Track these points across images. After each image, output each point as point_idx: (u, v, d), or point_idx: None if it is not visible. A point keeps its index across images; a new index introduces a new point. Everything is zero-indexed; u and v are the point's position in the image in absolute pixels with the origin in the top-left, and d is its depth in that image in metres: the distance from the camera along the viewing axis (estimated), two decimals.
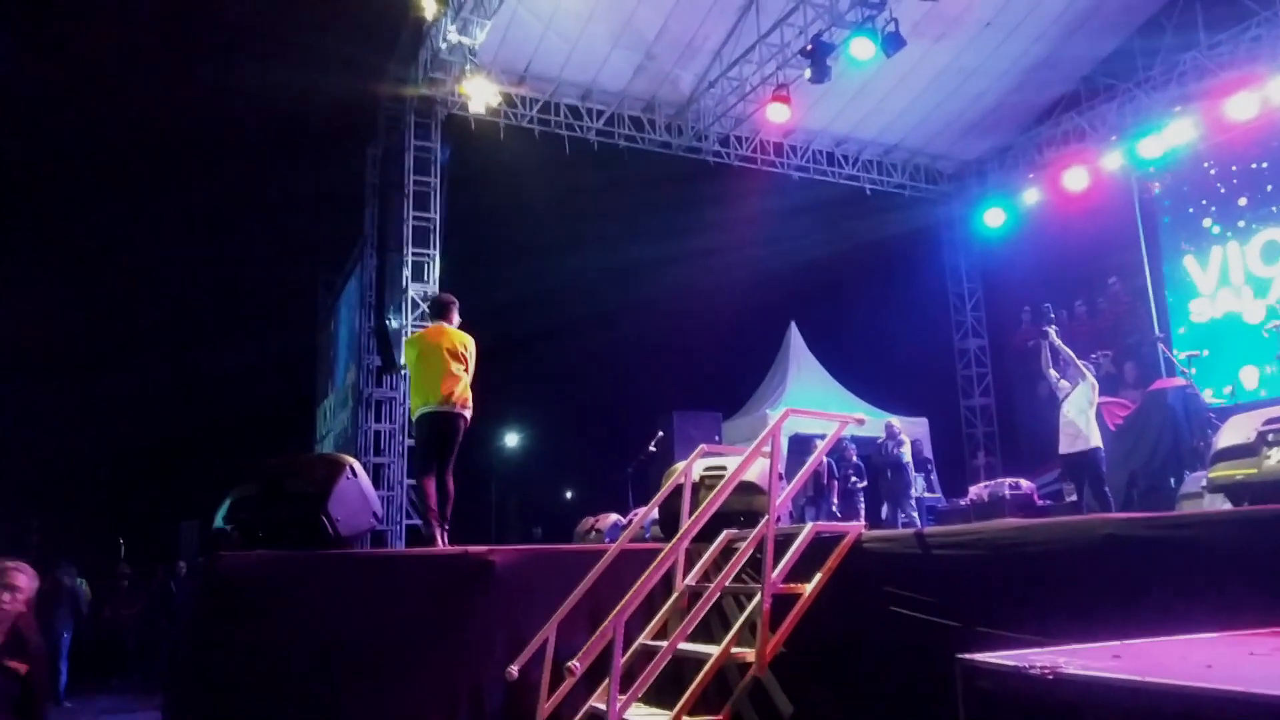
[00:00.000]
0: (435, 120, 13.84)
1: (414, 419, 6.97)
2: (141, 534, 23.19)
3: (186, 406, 24.68)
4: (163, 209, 23.70)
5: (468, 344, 6.90)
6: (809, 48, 12.17)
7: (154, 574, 14.74)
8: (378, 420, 14.41)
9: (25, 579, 3.99)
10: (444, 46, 12.64)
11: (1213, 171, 14.13)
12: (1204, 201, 14.27)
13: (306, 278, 21.76)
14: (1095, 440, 8.17)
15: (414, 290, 13.15)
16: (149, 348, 24.61)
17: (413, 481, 12.81)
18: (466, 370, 6.81)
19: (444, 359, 6.75)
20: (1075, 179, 15.39)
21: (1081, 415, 8.22)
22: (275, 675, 4.56)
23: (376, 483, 12.95)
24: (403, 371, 6.99)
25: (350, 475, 5.61)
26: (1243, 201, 13.70)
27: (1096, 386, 8.46)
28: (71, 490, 24.79)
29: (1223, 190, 13.98)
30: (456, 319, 7.02)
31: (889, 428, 12.38)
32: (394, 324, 13.37)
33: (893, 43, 11.81)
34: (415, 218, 13.49)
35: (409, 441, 12.73)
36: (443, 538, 6.49)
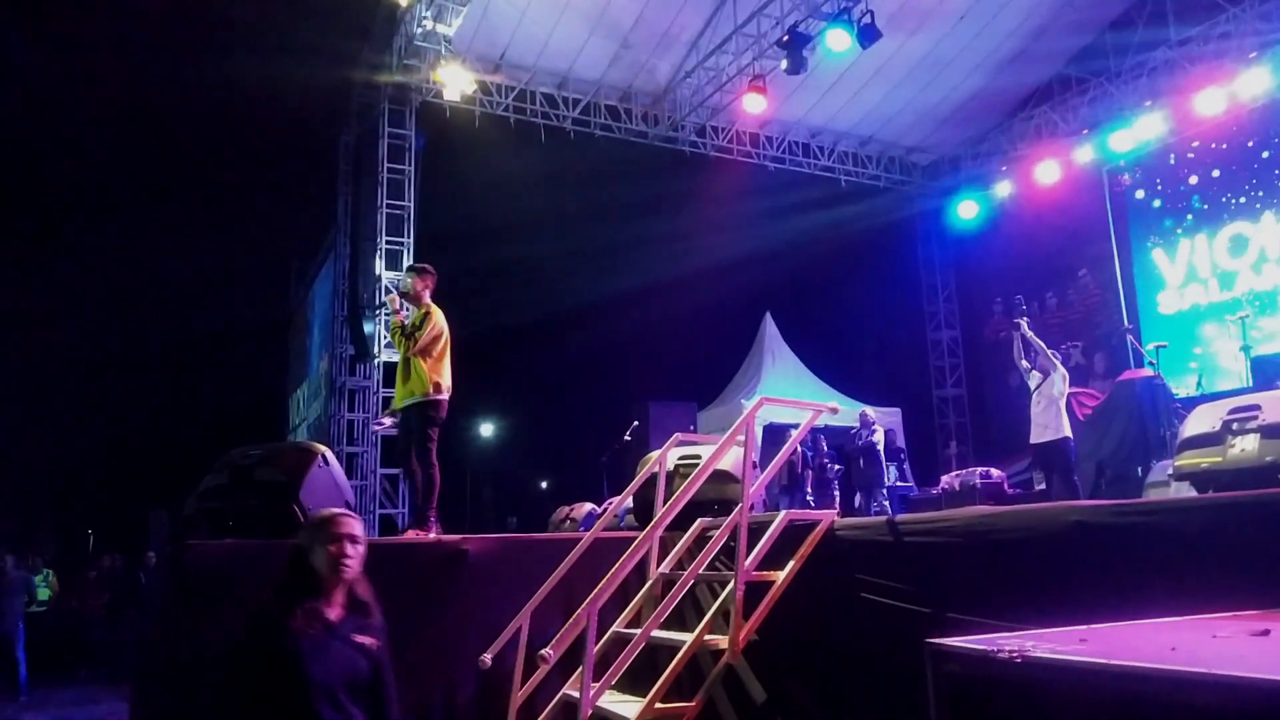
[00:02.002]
0: (410, 107, 13.71)
1: (442, 402, 6.38)
2: (109, 524, 22.92)
3: (156, 395, 24.37)
4: (131, 196, 23.33)
5: None
6: (785, 39, 12.19)
7: (122, 564, 14.57)
8: (350, 409, 14.31)
9: (362, 529, 3.05)
10: (419, 33, 12.52)
11: (1182, 166, 14.31)
12: (1173, 195, 14.46)
13: (279, 266, 21.57)
14: (1065, 430, 8.27)
15: (387, 278, 13.05)
16: (117, 335, 24.26)
17: (390, 471, 12.73)
18: None
19: None
20: (1047, 172, 15.54)
21: (1052, 406, 8.32)
22: None
23: (349, 472, 12.86)
24: (430, 345, 6.48)
25: (322, 464, 5.56)
26: (1210, 195, 13.89)
27: (1067, 377, 8.56)
28: (38, 481, 24.42)
29: (1192, 184, 14.17)
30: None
31: (863, 417, 12.47)
32: (368, 326, 13.20)
33: (868, 35, 11.84)
34: (389, 205, 13.39)
35: (376, 428, 12.57)
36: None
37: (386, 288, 12.97)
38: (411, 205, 13.53)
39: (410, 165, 13.62)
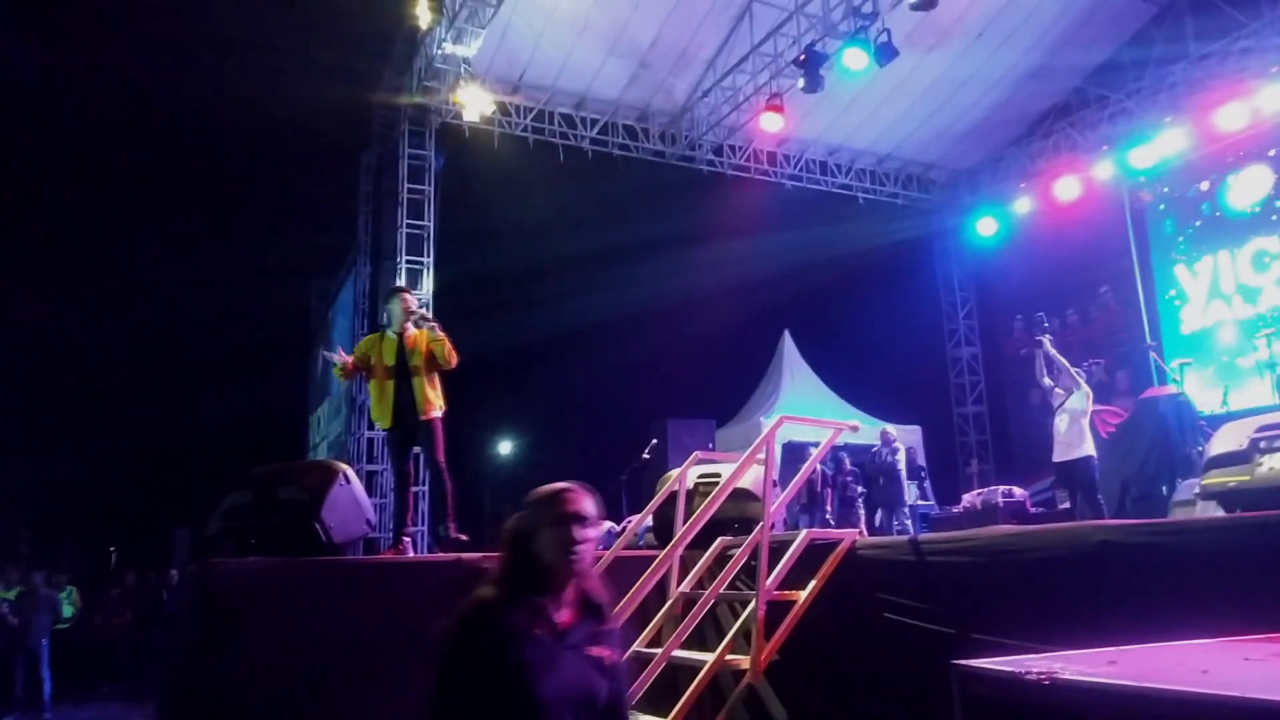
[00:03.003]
0: (429, 129, 13.84)
1: (439, 423, 6.42)
2: (132, 542, 23.08)
3: (179, 414, 24.57)
4: (156, 217, 23.65)
5: None
6: (802, 58, 12.21)
7: (146, 581, 14.66)
8: (370, 428, 14.36)
9: (596, 508, 2.41)
10: (438, 55, 12.66)
11: (1204, 182, 14.20)
12: (1195, 211, 14.35)
13: (300, 286, 21.76)
14: (1089, 448, 8.18)
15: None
16: (141, 356, 24.53)
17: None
18: None
19: None
20: (1067, 188, 15.46)
21: (1075, 424, 8.23)
22: (268, 683, 4.53)
23: (369, 490, 12.90)
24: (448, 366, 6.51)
25: (343, 482, 5.59)
26: (1234, 210, 13.77)
27: (1090, 395, 8.47)
28: (63, 498, 24.64)
29: (1214, 200, 14.05)
30: None
31: (884, 435, 12.39)
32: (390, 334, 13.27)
33: (885, 53, 11.85)
34: (409, 226, 13.49)
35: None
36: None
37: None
38: (431, 225, 13.63)
39: (430, 185, 13.73)
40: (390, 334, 6.46)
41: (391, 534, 6.36)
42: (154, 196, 23.12)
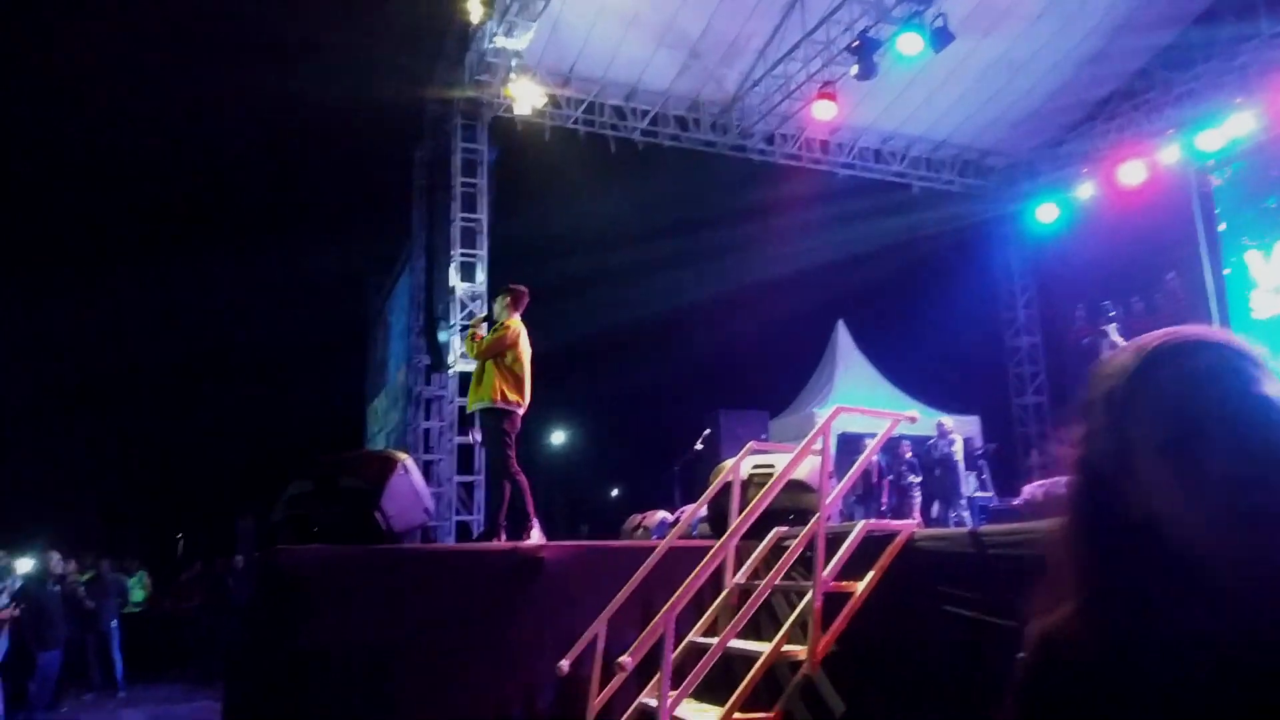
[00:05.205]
0: (481, 122, 13.94)
1: (510, 413, 6.57)
2: (199, 529, 23.76)
3: (243, 407, 25.22)
4: (215, 213, 24.25)
5: None
6: (855, 44, 12.04)
7: (212, 568, 15.08)
8: (427, 418, 14.58)
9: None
10: (490, 49, 12.74)
11: (1275, 164, 13.70)
12: (1266, 194, 13.84)
13: (356, 279, 22.14)
14: None
15: (461, 290, 13.28)
16: (205, 351, 25.21)
17: (466, 478, 12.91)
18: None
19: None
20: (1131, 173, 15.02)
21: None
22: (329, 668, 4.64)
23: (427, 479, 13.08)
24: (492, 351, 6.74)
25: (403, 471, 5.68)
26: None
27: None
28: (132, 486, 25.47)
29: None
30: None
31: (940, 426, 12.23)
32: (443, 336, 13.42)
33: (941, 38, 11.63)
34: (463, 219, 13.62)
35: (459, 439, 12.80)
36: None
37: (461, 301, 13.20)
38: (484, 218, 13.74)
39: (483, 179, 13.84)
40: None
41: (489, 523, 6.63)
42: (213, 193, 23.71)
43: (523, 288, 7.05)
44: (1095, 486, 1.07)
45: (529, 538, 6.30)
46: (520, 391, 6.65)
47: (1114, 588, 1.03)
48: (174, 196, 23.87)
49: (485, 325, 7.01)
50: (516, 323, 6.80)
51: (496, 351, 6.61)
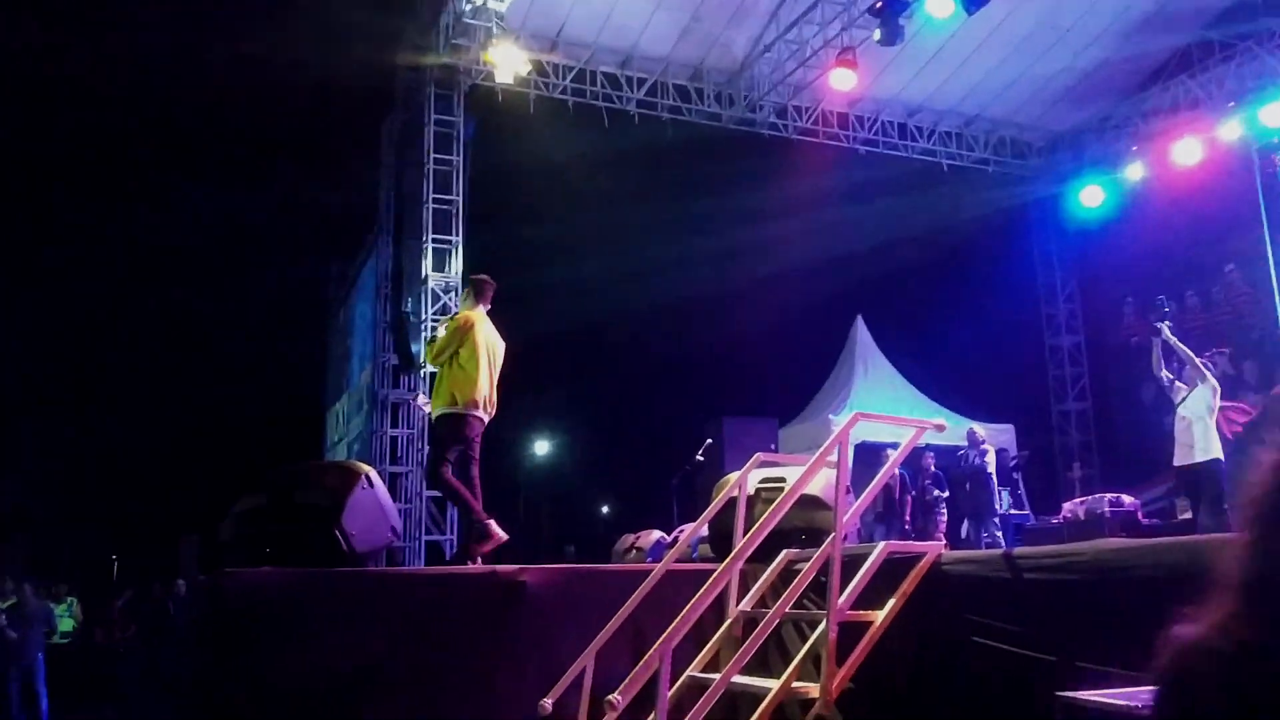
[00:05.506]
0: (458, 91, 13.94)
1: (460, 417, 6.47)
2: (136, 549, 23.70)
3: (185, 411, 25.15)
4: (160, 192, 24.19)
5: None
6: (879, 5, 12.08)
7: (150, 593, 15.04)
8: (394, 425, 14.57)
9: None
10: (467, 9, 12.74)
11: None
12: None
13: (316, 268, 22.10)
14: (1215, 451, 8.02)
15: (435, 281, 13.27)
16: (143, 346, 25.14)
17: (438, 493, 12.90)
18: None
19: (499, 357, 6.78)
20: (1186, 152, 15.08)
21: (1200, 422, 8.07)
22: (284, 705, 4.64)
23: (394, 494, 13.09)
24: (443, 352, 6.71)
25: (366, 485, 5.69)
26: None
27: (1218, 390, 8.29)
28: (61, 502, 25.37)
29: None
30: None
31: (970, 435, 12.26)
32: (413, 335, 13.36)
33: None
34: (436, 200, 13.60)
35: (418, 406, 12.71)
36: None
37: (434, 292, 13.19)
38: (460, 199, 13.73)
39: (459, 155, 13.83)
40: None
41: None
42: (158, 170, 23.66)
43: (487, 277, 7.00)
44: None
45: (491, 540, 6.32)
46: (470, 392, 6.45)
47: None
48: (111, 172, 23.81)
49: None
50: (474, 314, 6.72)
51: (450, 348, 6.56)
